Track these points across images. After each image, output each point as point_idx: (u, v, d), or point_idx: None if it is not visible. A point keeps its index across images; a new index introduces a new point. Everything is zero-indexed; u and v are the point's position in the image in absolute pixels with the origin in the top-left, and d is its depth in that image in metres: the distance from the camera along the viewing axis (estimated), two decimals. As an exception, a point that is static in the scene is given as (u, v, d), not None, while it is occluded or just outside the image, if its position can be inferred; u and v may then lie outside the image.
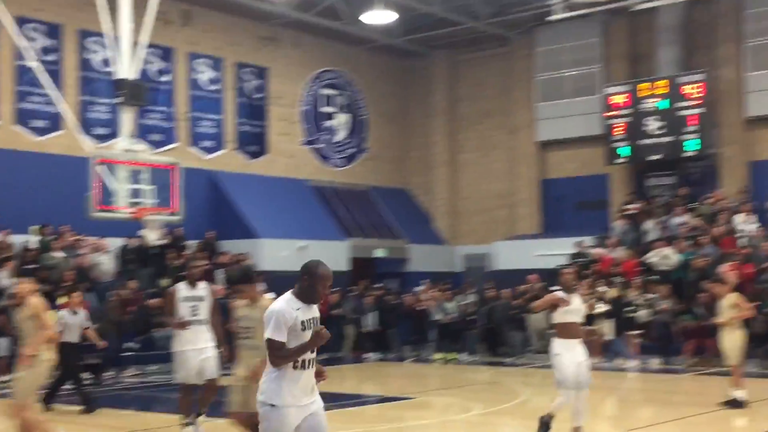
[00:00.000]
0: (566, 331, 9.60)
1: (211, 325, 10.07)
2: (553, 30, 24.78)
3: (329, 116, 26.90)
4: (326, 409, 5.81)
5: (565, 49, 25.57)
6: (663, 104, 23.11)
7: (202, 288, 10.17)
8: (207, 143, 23.88)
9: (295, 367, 5.60)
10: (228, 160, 24.26)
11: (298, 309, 5.62)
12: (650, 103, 23.28)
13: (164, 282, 18.83)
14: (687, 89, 22.79)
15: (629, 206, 23.61)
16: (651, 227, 22.56)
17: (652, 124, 23.27)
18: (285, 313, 5.57)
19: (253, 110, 24.99)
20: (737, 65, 23.07)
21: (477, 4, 24.52)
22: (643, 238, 22.43)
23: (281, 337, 5.52)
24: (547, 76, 25.94)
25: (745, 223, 21.10)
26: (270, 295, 8.77)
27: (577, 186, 25.67)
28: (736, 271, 19.04)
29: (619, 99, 23.78)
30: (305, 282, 5.68)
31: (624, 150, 23.80)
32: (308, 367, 5.67)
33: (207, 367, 9.93)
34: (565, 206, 25.98)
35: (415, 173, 28.87)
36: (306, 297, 5.69)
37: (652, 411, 13.46)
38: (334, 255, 24.28)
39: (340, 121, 27.18)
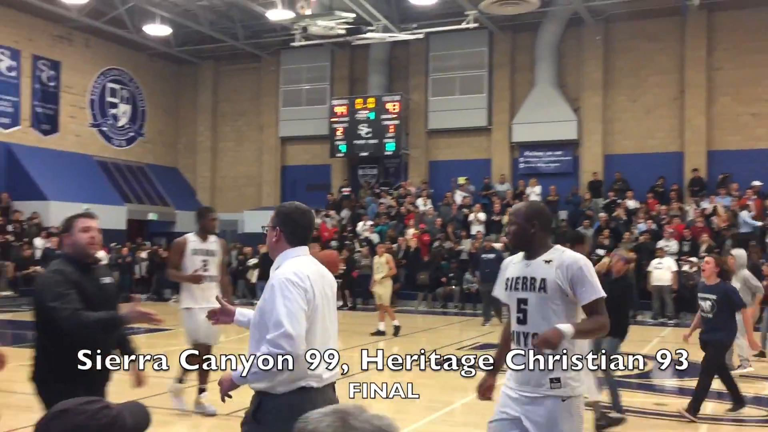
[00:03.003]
0: None
1: (220, 284, 7.03)
2: (295, 53, 24.95)
3: (113, 105, 25.40)
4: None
5: (303, 69, 25.82)
6: (371, 115, 23.99)
7: (213, 242, 7.08)
8: (5, 120, 21.71)
9: None
10: (23, 135, 22.21)
11: None
12: (362, 114, 24.04)
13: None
14: (388, 106, 23.77)
15: (344, 189, 24.41)
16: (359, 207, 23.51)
17: (364, 130, 23.99)
18: None
19: (47, 96, 23.02)
20: (423, 91, 24.41)
21: (237, 27, 24.10)
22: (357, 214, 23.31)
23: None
24: (289, 87, 26.08)
25: (424, 205, 22.55)
26: None
27: (308, 172, 26.06)
28: (416, 238, 20.37)
29: (341, 109, 24.22)
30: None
31: (342, 147, 24.40)
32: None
33: (212, 332, 6.82)
34: (299, 187, 26.34)
35: (183, 156, 28.00)
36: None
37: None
38: (114, 217, 23.17)
39: (123, 110, 25.75)
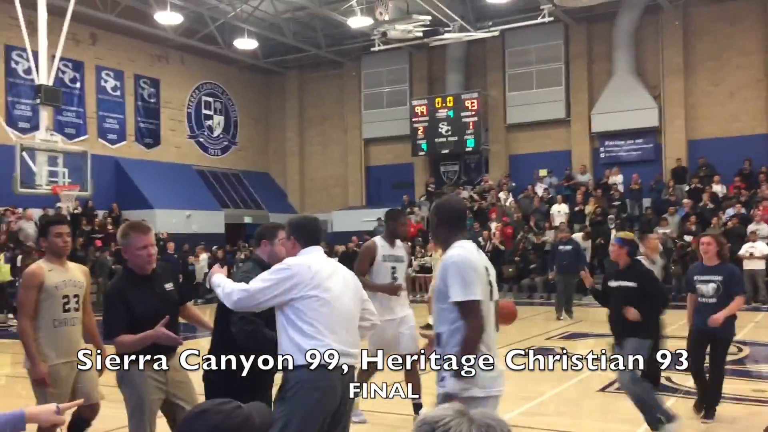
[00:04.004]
0: None
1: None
2: (375, 58, 25.08)
3: (208, 117, 26.23)
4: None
5: (383, 72, 25.94)
6: (451, 113, 23.82)
7: (400, 247, 6.15)
8: (112, 136, 22.78)
9: None
10: (129, 149, 23.24)
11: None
12: (442, 113, 23.91)
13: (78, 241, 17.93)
14: (467, 103, 23.55)
15: (428, 186, 24.35)
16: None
17: (444, 128, 23.88)
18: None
19: (149, 111, 24.01)
20: (501, 87, 24.08)
21: (319, 37, 24.43)
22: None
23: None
24: (371, 91, 26.24)
25: (506, 199, 22.24)
26: None
27: (392, 171, 26.14)
28: (498, 231, 20.11)
29: (421, 109, 24.15)
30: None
31: (424, 146, 24.35)
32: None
33: (404, 342, 5.88)
34: (383, 186, 26.48)
35: (273, 161, 28.62)
36: None
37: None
38: (213, 222, 23.92)
39: (217, 121, 26.57)
